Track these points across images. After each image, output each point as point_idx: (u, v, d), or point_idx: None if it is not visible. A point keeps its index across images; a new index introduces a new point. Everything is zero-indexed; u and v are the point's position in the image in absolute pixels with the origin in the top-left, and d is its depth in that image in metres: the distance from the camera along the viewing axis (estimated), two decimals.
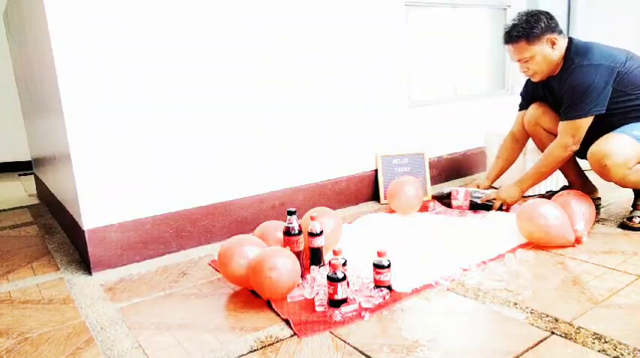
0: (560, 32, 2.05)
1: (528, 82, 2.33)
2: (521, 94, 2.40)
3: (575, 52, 2.02)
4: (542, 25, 2.00)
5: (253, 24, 2.23)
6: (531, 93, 2.32)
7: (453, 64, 3.23)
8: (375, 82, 2.72)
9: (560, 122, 2.06)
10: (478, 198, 2.37)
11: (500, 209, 2.27)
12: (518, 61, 2.09)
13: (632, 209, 2.13)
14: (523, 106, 2.37)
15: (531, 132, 2.33)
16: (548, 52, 2.03)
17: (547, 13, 2.06)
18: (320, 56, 2.48)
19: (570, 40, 2.08)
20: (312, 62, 2.46)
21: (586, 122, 1.99)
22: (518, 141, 2.39)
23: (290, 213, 1.70)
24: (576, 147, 2.05)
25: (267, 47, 2.29)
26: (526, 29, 2.00)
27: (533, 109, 2.29)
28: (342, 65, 2.57)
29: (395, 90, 2.82)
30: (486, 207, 2.34)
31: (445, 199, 2.46)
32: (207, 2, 2.10)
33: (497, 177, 2.44)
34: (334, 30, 2.52)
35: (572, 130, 2.01)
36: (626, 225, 2.06)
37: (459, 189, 2.43)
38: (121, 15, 1.90)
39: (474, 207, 2.37)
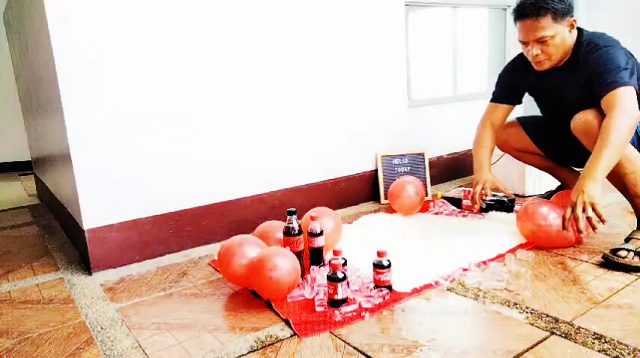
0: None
1: (514, 69, 2.08)
2: (498, 84, 2.14)
3: (589, 39, 1.82)
4: (568, 2, 1.78)
5: (253, 24, 2.23)
6: (514, 83, 2.07)
7: (453, 64, 3.23)
8: (375, 82, 2.72)
9: (604, 97, 1.69)
10: (490, 199, 2.36)
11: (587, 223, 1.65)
12: (535, 40, 1.80)
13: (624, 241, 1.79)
14: (498, 96, 2.13)
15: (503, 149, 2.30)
16: (567, 35, 1.80)
17: None
18: (320, 56, 2.48)
19: (580, 29, 1.87)
20: (312, 62, 2.46)
21: (632, 92, 1.68)
22: (494, 130, 2.14)
23: (290, 213, 1.70)
24: (637, 109, 1.67)
25: (267, 47, 2.29)
26: (555, 2, 1.74)
27: (504, 133, 2.20)
28: (342, 65, 2.57)
29: (395, 90, 2.82)
30: (498, 207, 2.33)
31: (457, 200, 2.46)
32: (208, 3, 2.10)
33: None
34: (334, 30, 2.52)
35: (623, 96, 1.66)
36: (609, 259, 1.70)
37: (471, 190, 2.42)
38: (121, 15, 1.90)
39: (486, 208, 2.36)
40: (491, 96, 2.18)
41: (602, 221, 1.60)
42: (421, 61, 3.07)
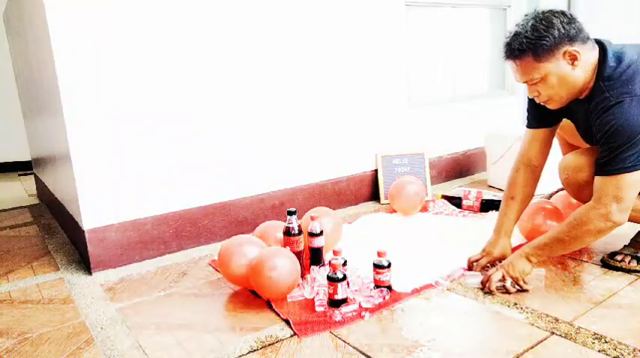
0: (586, 40, 1.44)
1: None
2: (529, 106, 1.72)
3: (610, 74, 1.43)
4: (556, 33, 1.39)
5: (253, 24, 2.23)
6: (542, 110, 1.64)
7: (453, 64, 3.23)
8: (375, 82, 2.72)
9: (597, 178, 1.46)
10: (490, 199, 2.37)
11: (503, 289, 1.57)
12: (525, 82, 1.51)
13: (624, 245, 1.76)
14: (532, 120, 1.73)
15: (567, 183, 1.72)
16: (567, 72, 1.43)
17: (563, 13, 1.43)
18: (320, 56, 2.48)
19: (603, 49, 1.47)
20: (312, 62, 2.46)
21: (633, 182, 1.41)
22: (535, 168, 1.74)
23: (290, 213, 1.70)
24: (622, 217, 1.43)
25: (267, 47, 2.29)
26: (532, 40, 1.40)
27: (570, 161, 1.67)
28: (342, 65, 2.57)
29: (395, 91, 2.82)
30: (499, 207, 2.33)
31: (456, 199, 2.47)
32: (208, 3, 2.10)
33: (513, 227, 1.78)
34: (334, 30, 2.52)
35: (616, 190, 1.41)
36: (607, 263, 1.72)
37: (471, 190, 2.44)
38: (121, 15, 1.90)
39: (485, 207, 2.36)
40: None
41: (525, 290, 1.56)
42: (421, 61, 3.07)
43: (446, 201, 2.51)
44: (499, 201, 2.33)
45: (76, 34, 1.82)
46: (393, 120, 2.83)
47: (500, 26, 3.46)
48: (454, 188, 2.85)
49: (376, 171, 2.78)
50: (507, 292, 1.55)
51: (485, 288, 1.59)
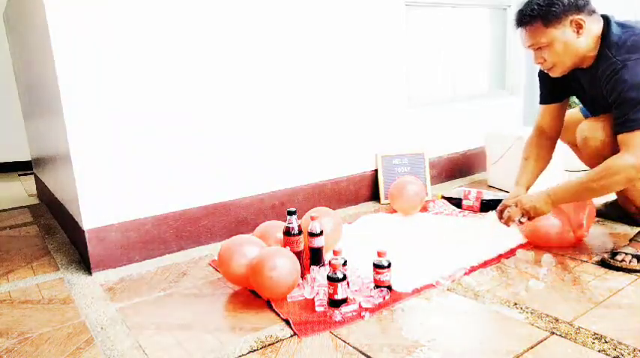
0: (592, 12, 1.61)
1: (544, 73, 1.82)
2: (540, 84, 1.92)
3: (616, 42, 1.57)
4: (565, 1, 1.57)
5: (253, 24, 2.23)
6: (552, 84, 1.85)
7: (453, 64, 3.23)
8: (374, 82, 2.72)
9: (622, 135, 1.57)
10: (490, 199, 2.37)
11: (519, 221, 1.78)
12: (531, 46, 1.67)
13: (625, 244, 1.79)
14: (542, 97, 1.93)
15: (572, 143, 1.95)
16: (571, 39, 1.60)
17: None
18: (320, 56, 2.48)
19: (607, 22, 1.62)
20: (312, 62, 2.46)
21: None
22: (549, 136, 1.93)
23: (290, 213, 1.70)
24: None
25: (267, 47, 2.29)
26: (543, 7, 1.58)
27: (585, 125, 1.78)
28: (341, 65, 2.57)
29: (395, 91, 2.82)
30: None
31: (456, 199, 2.47)
32: (207, 2, 2.10)
33: (532, 183, 1.92)
34: (334, 30, 2.52)
35: None
36: (607, 263, 1.72)
37: (471, 190, 2.44)
38: (121, 15, 1.90)
39: (485, 207, 2.37)
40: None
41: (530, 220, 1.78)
42: (421, 61, 3.07)
43: (446, 201, 2.51)
44: (499, 201, 2.34)
45: (76, 34, 1.82)
46: (393, 120, 2.83)
47: (500, 26, 3.46)
48: (454, 188, 2.84)
49: (376, 171, 2.78)
50: (520, 222, 1.77)
51: (501, 221, 1.83)
